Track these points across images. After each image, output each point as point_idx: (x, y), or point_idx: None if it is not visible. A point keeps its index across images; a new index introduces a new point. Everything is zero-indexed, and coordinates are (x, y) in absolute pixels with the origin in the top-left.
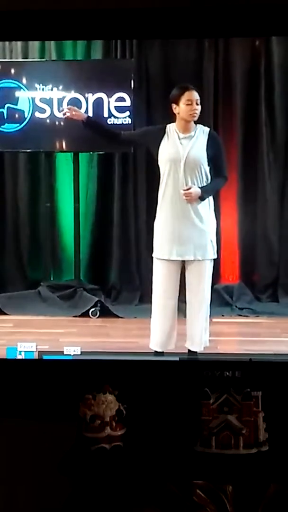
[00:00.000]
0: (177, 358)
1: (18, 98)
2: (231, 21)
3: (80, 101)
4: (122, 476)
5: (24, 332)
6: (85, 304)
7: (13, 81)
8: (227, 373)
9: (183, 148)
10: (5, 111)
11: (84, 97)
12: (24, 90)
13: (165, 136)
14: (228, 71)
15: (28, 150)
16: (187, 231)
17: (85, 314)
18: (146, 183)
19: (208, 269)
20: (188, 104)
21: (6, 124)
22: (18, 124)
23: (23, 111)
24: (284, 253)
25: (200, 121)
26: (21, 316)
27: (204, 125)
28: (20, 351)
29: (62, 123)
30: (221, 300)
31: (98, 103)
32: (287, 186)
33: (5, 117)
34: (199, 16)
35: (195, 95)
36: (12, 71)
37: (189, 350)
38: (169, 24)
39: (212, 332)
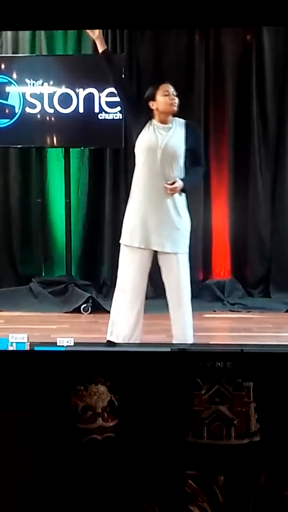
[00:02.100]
0: (168, 349)
1: (8, 93)
2: (224, 11)
3: (71, 96)
4: (114, 467)
5: (15, 328)
6: (77, 300)
7: (3, 76)
8: (219, 364)
9: (161, 138)
10: None
11: (75, 92)
12: (14, 85)
13: (147, 125)
14: (219, 65)
15: (19, 146)
16: (160, 221)
17: (77, 310)
18: None
19: (182, 263)
20: (166, 95)
21: None
22: (8, 120)
23: (14, 107)
24: (276, 248)
25: (191, 115)
26: (13, 312)
27: (182, 118)
28: (12, 343)
29: (53, 119)
30: (213, 295)
31: (89, 98)
32: (278, 181)
33: None
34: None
35: (171, 87)
36: (2, 66)
37: None
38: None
39: (204, 327)
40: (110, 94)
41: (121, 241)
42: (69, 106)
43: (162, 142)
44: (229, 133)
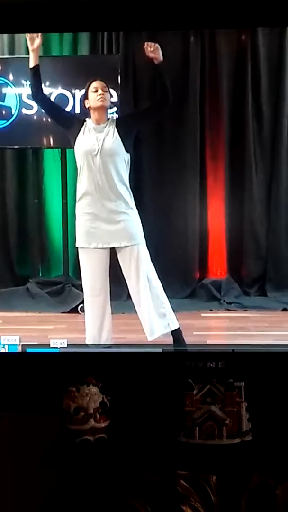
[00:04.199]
0: (160, 350)
1: (5, 94)
2: (220, 12)
3: (67, 97)
4: (106, 468)
5: (13, 328)
6: (74, 300)
7: None
8: (210, 364)
9: (97, 139)
10: None
11: (71, 93)
12: (11, 86)
13: (82, 129)
14: (215, 65)
15: (16, 147)
16: (112, 218)
17: (74, 310)
18: (133, 179)
19: (141, 253)
20: (94, 91)
21: None
22: (5, 121)
23: (10, 108)
24: (272, 247)
25: (186, 115)
26: (10, 313)
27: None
28: (4, 345)
29: (49, 120)
30: (209, 294)
31: (85, 96)
32: (273, 180)
33: None
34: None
35: (100, 83)
36: None
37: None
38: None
39: (200, 326)
40: None
41: (77, 245)
42: (66, 107)
43: (99, 143)
44: (225, 133)
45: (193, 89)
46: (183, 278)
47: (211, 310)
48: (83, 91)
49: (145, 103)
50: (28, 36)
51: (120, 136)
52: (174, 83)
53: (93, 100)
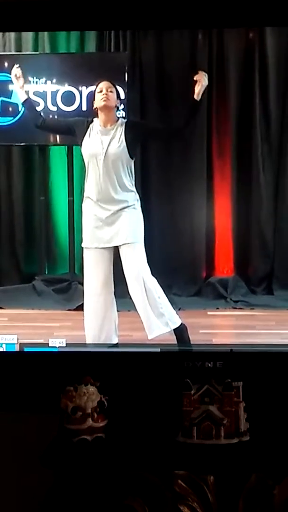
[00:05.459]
0: (158, 349)
1: (11, 91)
2: (227, 11)
3: (74, 94)
4: (104, 467)
5: (19, 326)
6: (80, 297)
7: (6, 75)
8: (208, 364)
9: (102, 142)
10: None
11: (78, 90)
12: None
13: (88, 130)
14: (222, 63)
15: (22, 144)
16: (110, 219)
17: (80, 308)
18: (140, 176)
19: (136, 252)
20: (99, 92)
21: (0, 118)
22: (12, 118)
23: (17, 105)
24: (279, 245)
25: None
26: (16, 310)
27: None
28: (1, 344)
29: (56, 116)
30: (216, 293)
31: (92, 96)
32: (281, 178)
33: None
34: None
35: (106, 84)
36: (6, 64)
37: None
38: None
39: (207, 324)
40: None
41: (82, 245)
42: (72, 104)
43: (104, 146)
44: (232, 131)
45: None
46: (189, 276)
47: (217, 308)
48: (90, 88)
49: (159, 124)
50: (13, 75)
51: (126, 142)
52: (181, 81)
53: (97, 100)
